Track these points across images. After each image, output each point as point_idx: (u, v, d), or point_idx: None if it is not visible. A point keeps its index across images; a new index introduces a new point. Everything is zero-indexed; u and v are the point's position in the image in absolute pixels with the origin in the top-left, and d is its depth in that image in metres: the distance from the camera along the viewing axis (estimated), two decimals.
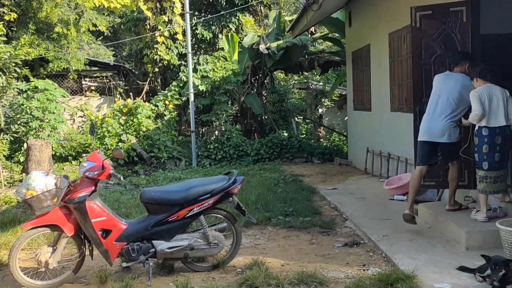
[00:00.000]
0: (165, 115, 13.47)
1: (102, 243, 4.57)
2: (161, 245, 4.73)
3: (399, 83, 8.64)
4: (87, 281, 4.77)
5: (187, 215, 4.78)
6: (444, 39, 6.23)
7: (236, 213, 5.34)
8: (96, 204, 4.62)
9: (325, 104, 17.89)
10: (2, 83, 9.88)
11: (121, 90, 16.25)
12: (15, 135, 11.34)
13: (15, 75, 10.20)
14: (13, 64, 10.07)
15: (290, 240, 6.07)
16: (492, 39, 7.11)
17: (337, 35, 14.97)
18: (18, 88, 11.75)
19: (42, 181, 4.43)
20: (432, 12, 6.29)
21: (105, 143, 12.24)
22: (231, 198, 4.97)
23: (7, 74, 9.92)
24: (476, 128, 5.48)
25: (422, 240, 5.58)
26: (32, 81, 12.27)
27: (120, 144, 12.20)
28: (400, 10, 8.25)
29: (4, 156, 11.45)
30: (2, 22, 10.21)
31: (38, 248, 4.78)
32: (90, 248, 4.74)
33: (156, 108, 13.47)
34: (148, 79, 16.11)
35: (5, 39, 10.31)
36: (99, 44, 19.62)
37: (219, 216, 5.09)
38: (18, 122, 11.68)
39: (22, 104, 11.65)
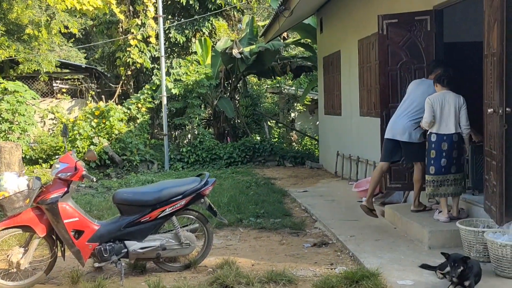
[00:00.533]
0: (138, 118, 13.46)
1: (74, 243, 4.60)
2: (134, 245, 4.79)
3: (368, 88, 8.88)
4: (59, 282, 4.80)
5: (159, 216, 4.86)
6: (409, 46, 6.47)
7: (208, 214, 5.44)
8: (69, 205, 4.65)
9: (297, 108, 18.14)
10: None
11: (93, 93, 16.13)
12: None
13: None
14: None
15: (261, 240, 6.20)
16: (455, 47, 7.43)
17: (309, 40, 15.22)
18: None
19: (14, 182, 4.46)
20: (398, 21, 6.52)
21: (76, 145, 12.17)
22: (203, 200, 5.07)
23: None
24: (428, 133, 5.75)
25: (387, 239, 5.79)
26: (2, 83, 12.12)
27: (91, 147, 12.14)
28: (369, 18, 8.50)
29: None
30: None
31: (7, 250, 4.79)
32: (62, 249, 4.76)
33: (128, 111, 13.45)
34: (121, 82, 16.04)
35: None
36: (71, 46, 19.47)
37: (191, 217, 5.18)
38: None
39: None
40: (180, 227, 5.03)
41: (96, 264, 4.79)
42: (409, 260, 5.03)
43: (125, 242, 4.79)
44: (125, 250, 4.78)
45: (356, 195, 8.20)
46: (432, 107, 5.59)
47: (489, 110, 4.85)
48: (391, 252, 5.31)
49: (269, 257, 5.51)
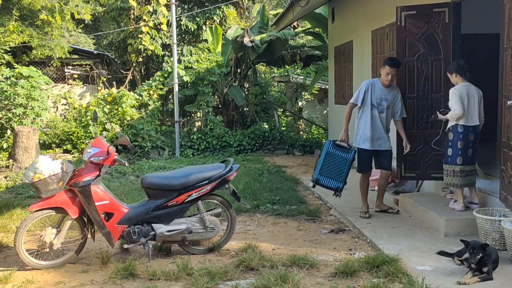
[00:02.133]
0: (149, 105, 13.56)
1: (105, 225, 4.76)
2: (161, 228, 4.95)
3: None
4: (89, 262, 4.96)
5: (186, 200, 5.01)
6: (427, 38, 6.56)
7: (231, 199, 5.59)
8: (100, 188, 4.81)
9: (305, 97, 18.22)
10: None
11: (104, 79, 16.22)
12: (3, 121, 11.29)
13: (3, 61, 10.17)
14: (2, 51, 10.05)
15: (279, 226, 6.35)
16: (472, 38, 7.54)
17: (318, 30, 15.28)
18: (1, 75, 11.70)
19: (49, 165, 4.60)
20: (417, 12, 6.61)
21: (89, 131, 12.32)
22: (227, 185, 5.21)
23: None
24: (452, 124, 5.80)
25: (403, 227, 5.94)
26: (16, 68, 12.22)
27: (104, 132, 12.28)
28: (383, 9, 8.58)
29: None
30: None
31: (41, 230, 4.94)
32: (92, 230, 4.93)
33: (140, 98, 13.56)
34: (132, 69, 16.12)
35: None
36: (80, 32, 19.51)
37: (215, 201, 5.34)
38: (2, 109, 11.62)
39: (6, 91, 11.62)
40: (205, 211, 5.18)
41: (125, 246, 4.96)
42: (426, 247, 5.19)
43: (153, 225, 4.94)
44: (153, 232, 4.93)
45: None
46: (460, 99, 5.69)
47: (508, 102, 4.96)
48: (408, 239, 5.47)
49: (289, 242, 5.67)
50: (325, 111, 16.81)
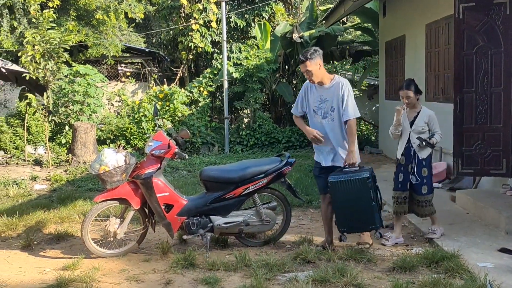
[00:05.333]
0: (199, 102, 13.78)
1: (165, 216, 4.91)
2: (218, 220, 5.06)
3: (436, 73, 8.79)
4: (150, 252, 5.13)
5: (242, 193, 5.09)
6: (486, 30, 6.37)
7: (286, 193, 5.63)
8: (161, 180, 4.96)
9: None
10: (52, 68, 10.29)
11: (156, 76, 16.60)
12: (62, 117, 11.74)
13: (63, 59, 10.61)
14: (62, 50, 10.48)
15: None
16: None
17: (368, 25, 15.08)
18: (62, 73, 12.17)
19: (113, 157, 4.79)
20: (476, 4, 6.42)
21: (142, 127, 12.64)
22: (283, 179, 5.26)
23: (56, 59, 10.32)
24: (431, 151, 5.56)
25: (462, 224, 5.82)
26: (73, 66, 12.69)
27: (157, 128, 12.56)
28: (438, 2, 8.40)
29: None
30: (50, 10, 10.62)
31: (105, 220, 5.14)
32: (153, 221, 5.09)
33: (190, 94, 13.80)
34: (182, 66, 16.42)
35: (55, 25, 10.70)
36: (131, 31, 20.04)
37: (271, 195, 5.39)
38: (62, 106, 12.09)
39: (65, 88, 12.09)
40: (261, 205, 5.25)
41: (184, 237, 5.10)
42: (486, 244, 5.07)
43: (211, 217, 5.06)
44: (211, 224, 5.05)
45: None
46: None
47: None
48: (467, 236, 5.36)
49: None
50: (374, 107, 16.59)
